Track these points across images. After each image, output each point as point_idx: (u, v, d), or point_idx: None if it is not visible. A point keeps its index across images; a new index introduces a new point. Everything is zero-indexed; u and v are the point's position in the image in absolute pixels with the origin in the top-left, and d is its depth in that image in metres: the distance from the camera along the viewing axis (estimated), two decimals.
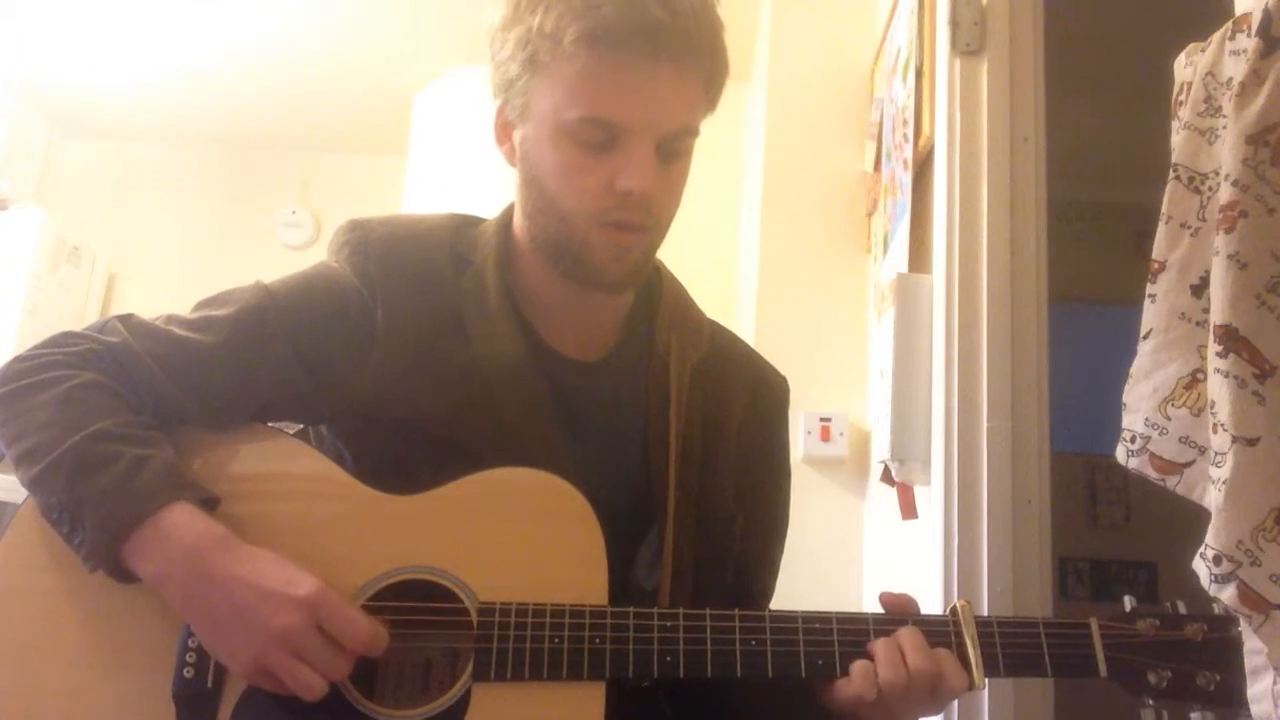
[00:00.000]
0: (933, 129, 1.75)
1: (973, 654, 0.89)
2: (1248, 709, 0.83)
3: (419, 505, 0.92)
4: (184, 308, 1.01)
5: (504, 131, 0.99)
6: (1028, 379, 1.55)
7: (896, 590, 0.96)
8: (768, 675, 0.87)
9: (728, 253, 2.96)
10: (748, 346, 1.16)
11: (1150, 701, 0.88)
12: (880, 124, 2.20)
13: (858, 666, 0.87)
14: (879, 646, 0.88)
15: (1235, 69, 0.88)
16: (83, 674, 0.87)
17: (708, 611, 0.89)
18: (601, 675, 0.86)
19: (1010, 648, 0.90)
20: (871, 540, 2.10)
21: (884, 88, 2.22)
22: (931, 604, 1.48)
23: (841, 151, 2.37)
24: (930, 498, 1.60)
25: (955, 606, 0.92)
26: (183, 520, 0.86)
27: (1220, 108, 0.92)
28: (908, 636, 0.88)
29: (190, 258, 3.89)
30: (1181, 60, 1.00)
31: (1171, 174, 0.96)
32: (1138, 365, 0.98)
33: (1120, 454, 0.99)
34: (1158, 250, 0.97)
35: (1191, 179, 0.95)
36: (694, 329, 1.09)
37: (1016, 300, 1.58)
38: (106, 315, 1.00)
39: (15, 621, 0.89)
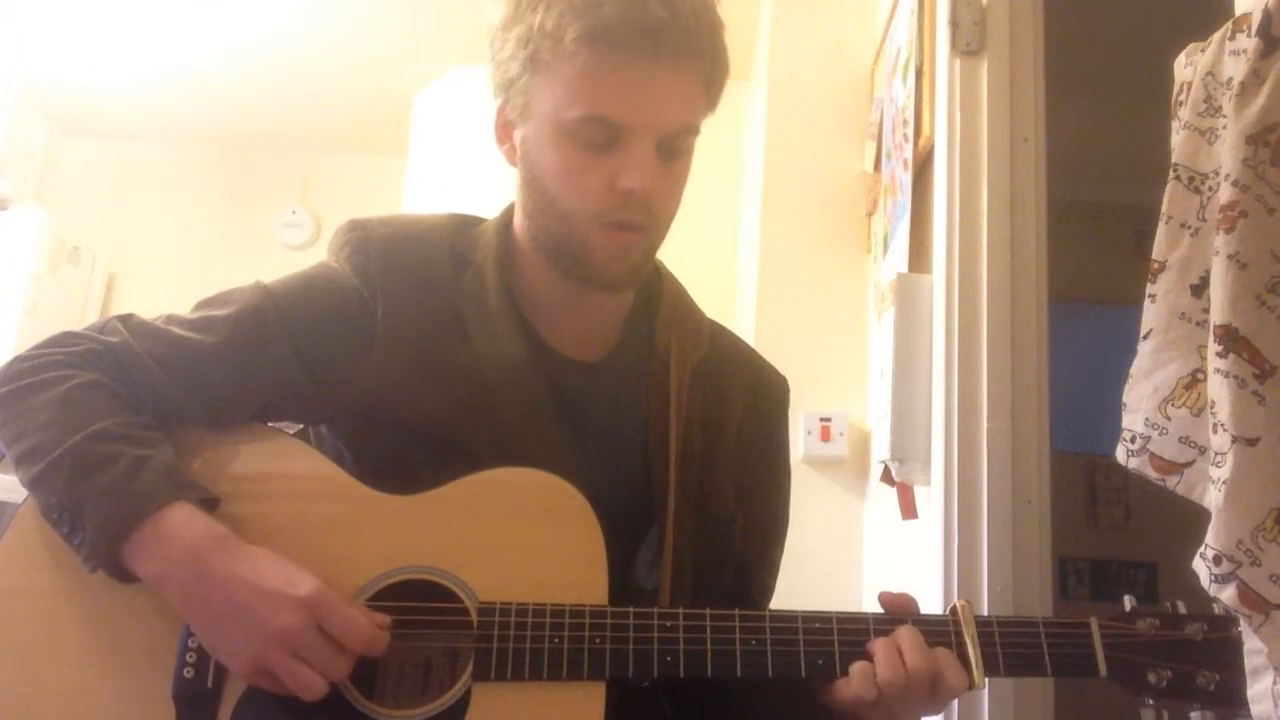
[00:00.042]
0: (933, 129, 1.75)
1: (973, 654, 0.89)
2: (1247, 709, 0.83)
3: (419, 505, 0.92)
4: (184, 308, 1.01)
5: (504, 131, 0.99)
6: (1028, 379, 1.55)
7: (896, 590, 0.96)
8: (768, 675, 0.88)
9: (728, 253, 2.96)
10: (748, 346, 1.16)
11: (1150, 701, 0.88)
12: (880, 124, 2.20)
13: (857, 667, 0.87)
14: (878, 646, 0.88)
15: (1235, 69, 0.88)
16: (83, 674, 0.87)
17: (708, 611, 0.89)
18: (601, 675, 0.86)
19: (1010, 647, 0.90)
20: (871, 540, 2.10)
21: (884, 88, 2.22)
22: (931, 604, 1.48)
23: (841, 151, 2.37)
24: (930, 498, 1.60)
25: (955, 606, 0.92)
26: (183, 520, 0.86)
27: (1220, 108, 0.92)
28: (905, 636, 0.88)
29: (190, 258, 3.89)
30: (1181, 60, 1.00)
31: (1171, 174, 0.96)
32: (1138, 365, 0.98)
33: (1120, 454, 0.99)
34: (1158, 250, 0.97)
35: (1191, 179, 0.95)
36: (694, 329, 1.09)
37: (1016, 300, 1.58)
38: (106, 315, 1.00)
39: (15, 621, 0.89)
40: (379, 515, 0.92)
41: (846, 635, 0.89)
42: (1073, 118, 2.26)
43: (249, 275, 1.04)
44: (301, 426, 1.05)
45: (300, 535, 0.90)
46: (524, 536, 0.91)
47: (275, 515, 0.92)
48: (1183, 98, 0.98)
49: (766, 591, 1.10)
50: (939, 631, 0.90)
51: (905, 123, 1.93)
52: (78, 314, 3.73)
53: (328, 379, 0.97)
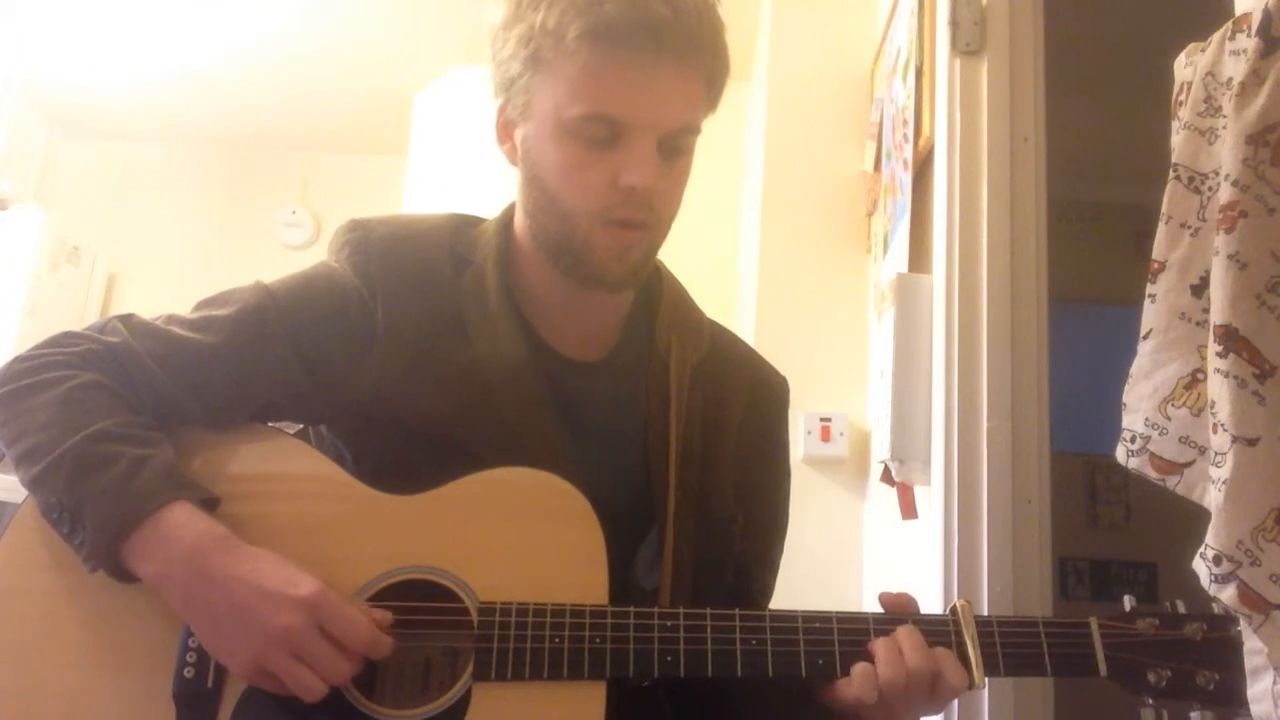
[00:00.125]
0: (933, 129, 1.75)
1: (973, 653, 0.89)
2: (1247, 708, 0.83)
3: (419, 505, 0.92)
4: (184, 308, 1.01)
5: (505, 131, 0.99)
6: (1028, 379, 1.55)
7: (896, 590, 0.96)
8: (768, 675, 0.87)
9: (728, 253, 2.96)
10: (748, 346, 1.16)
11: (1150, 701, 0.88)
12: (880, 124, 2.20)
13: (858, 668, 0.87)
14: (879, 646, 0.88)
15: (1235, 69, 0.88)
16: (83, 674, 0.87)
17: (708, 611, 0.89)
18: (602, 675, 0.86)
19: (1010, 647, 0.90)
20: (871, 540, 2.10)
21: (884, 88, 2.22)
22: (931, 604, 1.48)
23: (841, 151, 2.37)
24: (930, 498, 1.60)
25: (955, 606, 0.92)
26: (183, 520, 0.86)
27: (1220, 108, 0.92)
28: (906, 635, 0.88)
29: (190, 258, 3.89)
30: (1181, 60, 1.00)
31: (1171, 174, 0.97)
32: (1138, 365, 0.98)
33: (1120, 454, 0.99)
34: (1158, 250, 0.97)
35: (1191, 179, 0.95)
36: (694, 329, 1.09)
37: (1016, 300, 1.58)
38: (106, 315, 1.00)
39: (15, 621, 0.89)
40: (379, 515, 0.92)
41: (846, 635, 0.89)
42: (1073, 118, 2.26)
43: (249, 275, 1.04)
44: (301, 426, 1.05)
45: (300, 535, 0.90)
46: (524, 536, 0.91)
47: (275, 515, 0.92)
48: (1183, 98, 0.98)
49: (766, 591, 1.10)
50: (939, 631, 0.90)
51: (905, 123, 1.93)
52: (78, 314, 3.73)
53: (328, 379, 0.97)
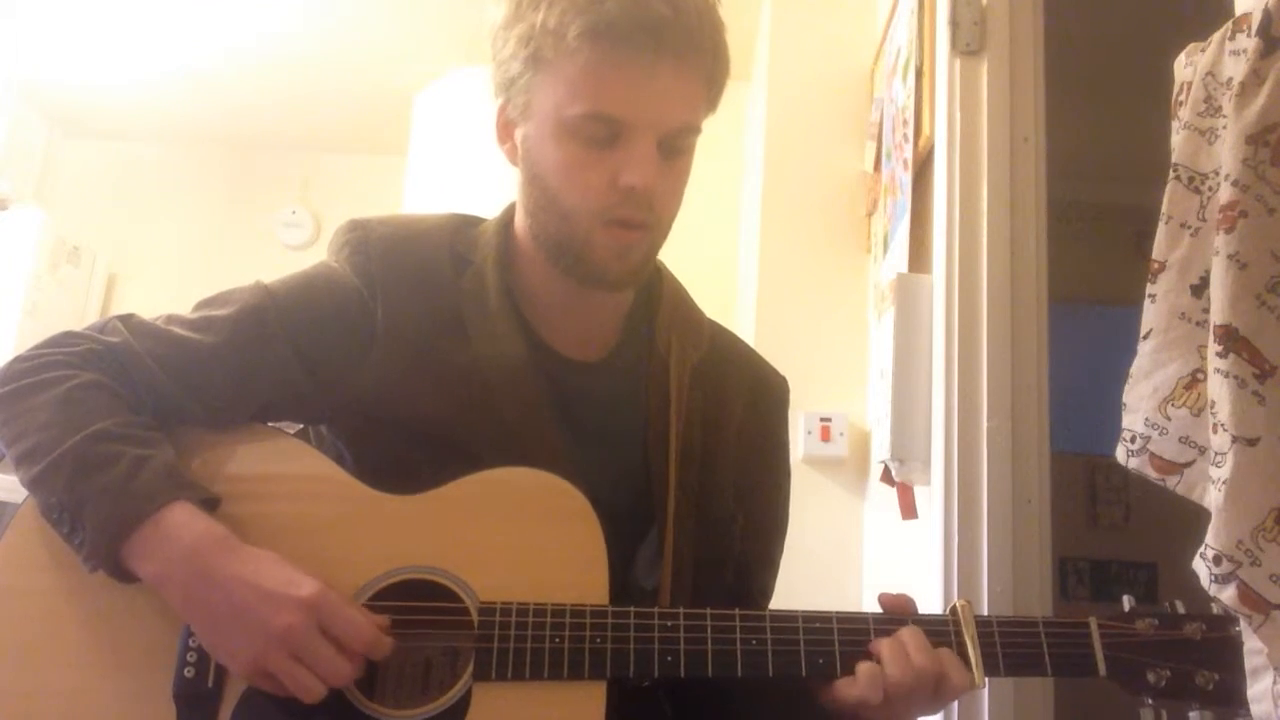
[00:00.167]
0: (933, 129, 1.75)
1: (973, 654, 0.89)
2: (1246, 708, 0.83)
3: (419, 505, 0.92)
4: (184, 308, 1.01)
5: (505, 130, 0.99)
6: (1028, 379, 1.55)
7: (896, 590, 0.96)
8: (768, 674, 0.87)
9: (728, 253, 2.96)
10: (748, 347, 1.16)
11: (1149, 701, 0.89)
12: (880, 124, 2.20)
13: (863, 668, 0.87)
14: (884, 647, 0.87)
15: (1235, 69, 0.88)
16: (83, 674, 0.87)
17: (708, 611, 0.89)
18: (602, 675, 0.86)
19: (1010, 647, 0.90)
20: (871, 540, 2.10)
21: (884, 88, 2.22)
22: (931, 604, 1.48)
23: (841, 151, 2.37)
24: (930, 498, 1.60)
25: (955, 606, 0.92)
26: (183, 520, 0.86)
27: (1220, 108, 0.92)
28: (911, 636, 0.88)
29: (190, 258, 3.89)
30: (1181, 60, 1.00)
31: (1171, 174, 0.97)
32: (1138, 365, 0.98)
33: (1120, 454, 0.99)
34: (1158, 250, 0.97)
35: (1191, 179, 0.95)
36: (694, 329, 1.09)
37: (1016, 300, 1.58)
38: (106, 315, 1.00)
39: (15, 621, 0.89)
40: (379, 515, 0.92)
41: (847, 635, 0.89)
42: (1073, 118, 2.26)
43: (249, 275, 1.04)
44: (301, 426, 1.05)
45: (301, 535, 0.90)
46: (525, 536, 0.91)
47: (275, 515, 0.92)
48: (1183, 98, 0.98)
49: (766, 591, 1.10)
50: (939, 631, 0.90)
51: (905, 123, 1.93)
52: (78, 314, 3.73)
53: (328, 379, 0.97)
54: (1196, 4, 1.16)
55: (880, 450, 1.86)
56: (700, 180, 1.02)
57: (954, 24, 1.70)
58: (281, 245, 3.96)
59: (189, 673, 0.86)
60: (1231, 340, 0.81)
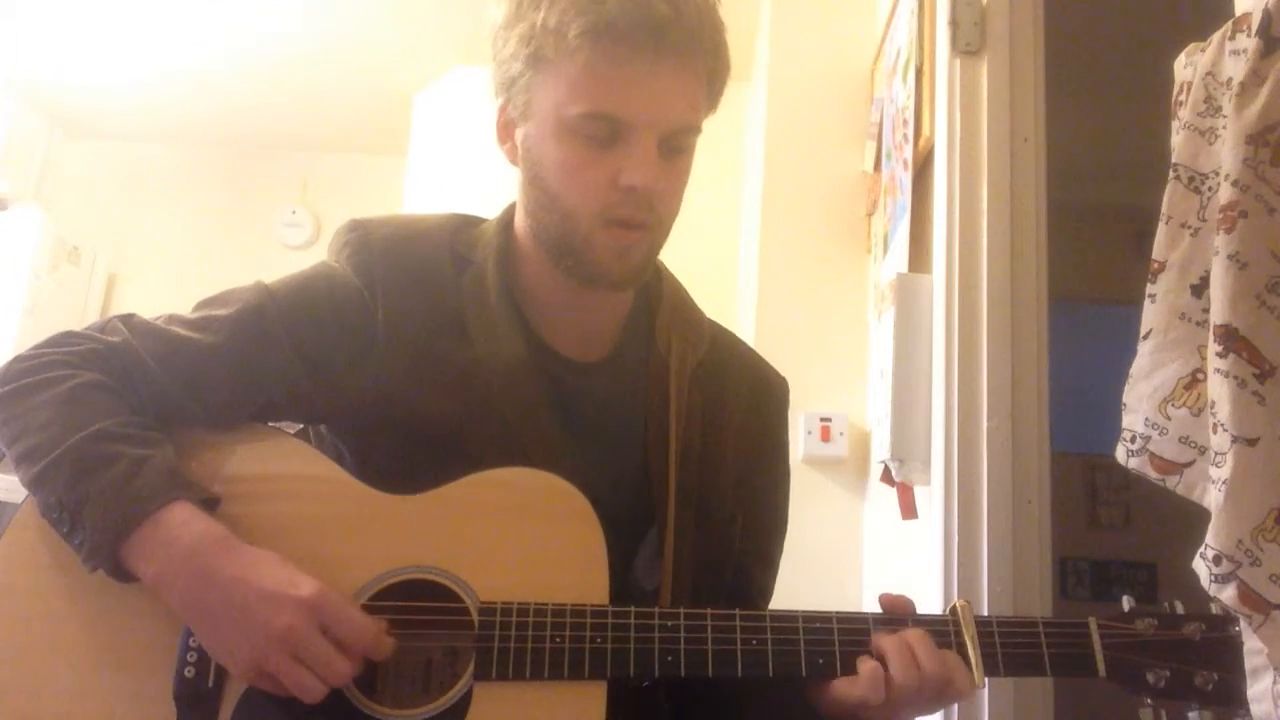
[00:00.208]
0: (933, 129, 1.75)
1: (972, 654, 0.89)
2: (1245, 708, 0.83)
3: (420, 505, 0.92)
4: (184, 308, 1.01)
5: (506, 130, 0.99)
6: (1028, 379, 1.56)
7: (896, 591, 0.96)
8: (769, 674, 0.87)
9: (728, 253, 2.96)
10: (748, 347, 1.16)
11: (1149, 701, 0.88)
12: (880, 124, 2.21)
13: (866, 669, 0.86)
14: (889, 648, 0.87)
15: (1235, 69, 0.88)
16: (83, 674, 0.87)
17: (708, 611, 0.89)
18: (602, 675, 0.86)
19: (1010, 647, 0.90)
20: (871, 540, 2.10)
21: (884, 88, 2.22)
22: (931, 604, 1.48)
23: (841, 151, 2.37)
24: (930, 498, 1.60)
25: (955, 606, 0.92)
26: (183, 520, 0.86)
27: (1220, 108, 0.92)
28: (919, 640, 0.88)
29: (190, 258, 3.89)
30: (1181, 60, 1.00)
31: (1171, 174, 0.97)
32: (1138, 365, 0.98)
33: (1120, 454, 0.99)
34: (1158, 250, 0.97)
35: (1191, 179, 0.95)
36: (694, 329, 1.09)
37: (1016, 300, 1.58)
38: (106, 315, 1.00)
39: (15, 621, 0.89)
40: (379, 515, 0.92)
41: (847, 635, 0.89)
42: (1073, 118, 2.26)
43: (249, 275, 1.04)
44: (301, 426, 1.05)
45: (301, 535, 0.90)
46: (525, 537, 0.91)
47: (276, 515, 0.92)
48: (1183, 98, 0.98)
49: (766, 591, 1.10)
50: (939, 632, 0.90)
51: (905, 123, 1.93)
52: (78, 314, 3.73)
53: (328, 378, 0.97)
54: (1196, 4, 1.16)
55: (880, 450, 1.86)
56: (700, 180, 1.02)
57: (954, 24, 1.70)
58: (281, 245, 3.96)
59: (189, 673, 0.86)
60: (1231, 340, 0.81)
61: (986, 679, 0.89)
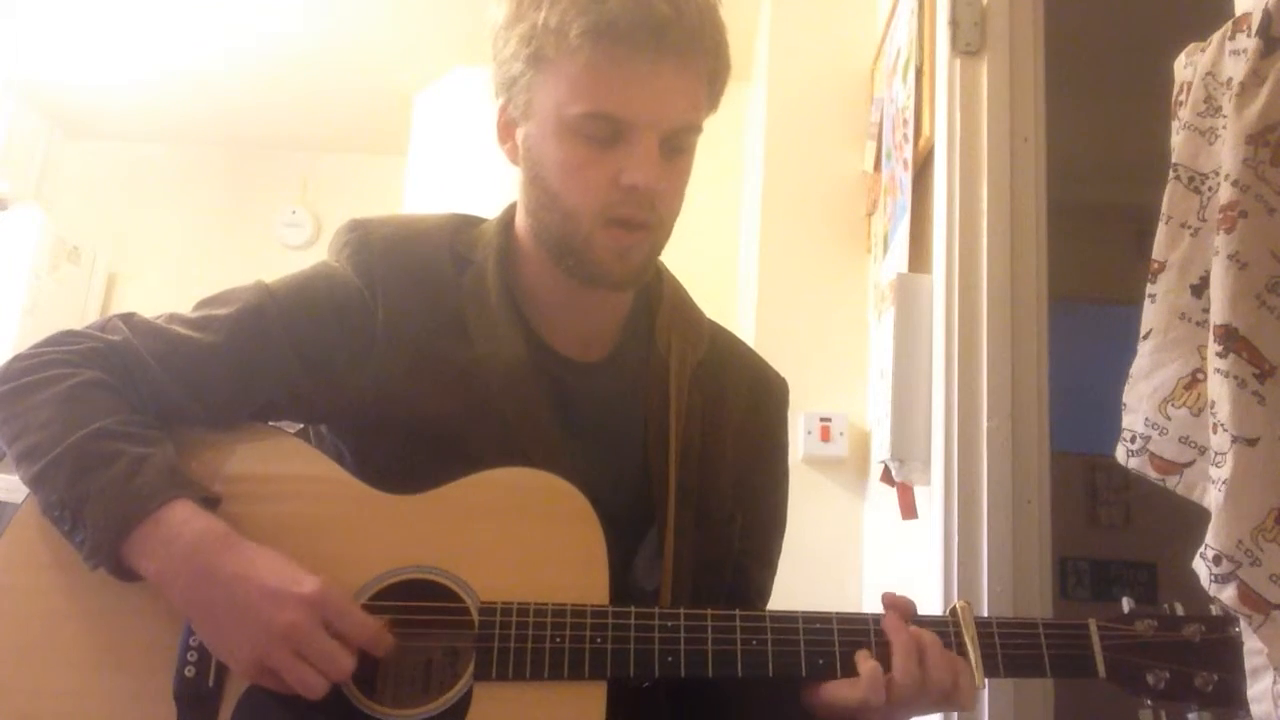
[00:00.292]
0: (933, 129, 1.75)
1: (972, 654, 0.89)
2: (1245, 709, 0.83)
3: (420, 505, 0.92)
4: (184, 307, 1.01)
5: (506, 130, 0.99)
6: (1028, 379, 1.56)
7: (896, 591, 0.96)
8: (769, 675, 0.87)
9: (728, 253, 2.96)
10: (748, 347, 1.16)
11: (1149, 702, 0.88)
12: (880, 124, 2.20)
13: (866, 670, 0.86)
14: (898, 644, 0.87)
15: (1235, 69, 0.88)
16: (83, 673, 0.87)
17: (709, 611, 0.89)
18: (603, 675, 0.86)
19: (1010, 648, 0.90)
20: (871, 540, 2.10)
21: (884, 88, 2.22)
22: (931, 604, 1.48)
23: (841, 151, 2.37)
24: (930, 498, 1.60)
25: (955, 607, 0.92)
26: (184, 518, 0.86)
27: (1220, 108, 0.92)
28: (932, 644, 0.87)
29: (190, 258, 3.89)
30: (1181, 60, 1.00)
31: (1171, 174, 0.97)
32: (1138, 365, 0.98)
33: (1120, 454, 0.99)
34: (1158, 250, 0.97)
35: (1191, 179, 0.95)
36: (694, 329, 1.09)
37: (1016, 300, 1.58)
38: (107, 315, 1.00)
39: (15, 620, 0.89)
40: (380, 515, 0.92)
41: (846, 635, 0.89)
42: (1073, 118, 2.26)
43: (249, 275, 1.04)
44: (301, 426, 1.05)
45: (300, 535, 0.90)
46: (525, 537, 0.91)
47: (276, 515, 0.92)
48: (1183, 98, 0.98)
49: (764, 592, 1.10)
50: (939, 633, 0.90)
51: (905, 123, 1.93)
52: (78, 313, 3.73)
53: (328, 378, 0.97)
54: (1196, 4, 1.16)
55: (880, 450, 1.86)
56: (700, 180, 1.02)
57: (954, 24, 1.70)
58: (281, 245, 3.96)
59: (189, 672, 0.86)
60: (1231, 340, 0.81)
61: (986, 680, 0.89)
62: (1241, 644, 0.85)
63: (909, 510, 1.74)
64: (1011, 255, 1.60)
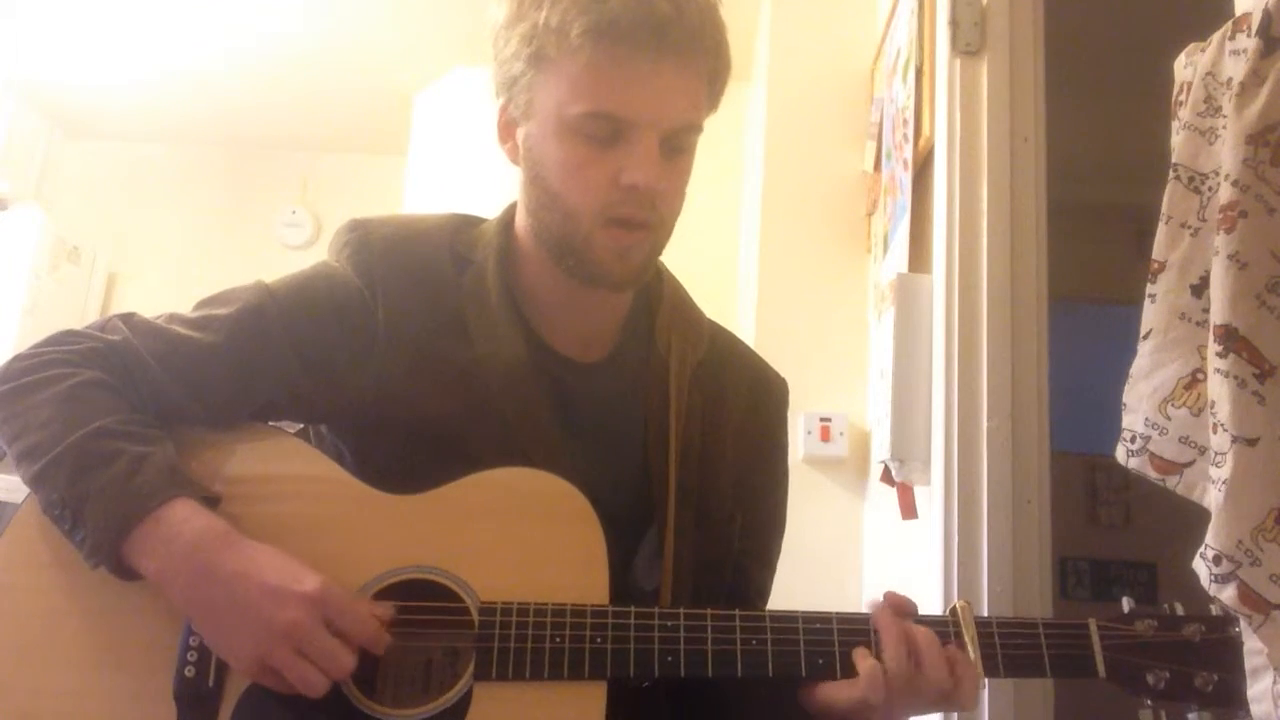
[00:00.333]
0: (933, 129, 1.75)
1: (972, 654, 0.89)
2: (1245, 709, 0.83)
3: (420, 505, 0.92)
4: (184, 307, 1.01)
5: (507, 130, 0.99)
6: (1028, 379, 1.56)
7: (897, 591, 0.96)
8: (768, 675, 0.87)
9: (728, 253, 2.96)
10: (747, 347, 1.16)
11: (1149, 702, 0.88)
12: (880, 124, 2.21)
13: (865, 669, 0.86)
14: (887, 637, 0.87)
15: (1235, 69, 0.88)
16: (83, 673, 0.87)
17: (708, 611, 0.89)
18: (602, 675, 0.86)
19: (1010, 648, 0.90)
20: (871, 540, 2.10)
21: (884, 88, 2.22)
22: (931, 604, 1.48)
23: (841, 151, 2.37)
24: (930, 498, 1.60)
25: (955, 607, 0.92)
26: (184, 517, 0.86)
27: (1220, 108, 0.92)
28: (925, 637, 0.88)
29: (190, 258, 3.89)
30: (1181, 60, 1.00)
31: (1171, 174, 0.97)
32: (1138, 365, 0.98)
33: (1120, 454, 0.99)
34: (1158, 250, 0.97)
35: (1191, 179, 0.95)
36: (694, 329, 1.09)
37: (1016, 300, 1.58)
38: (107, 315, 1.00)
39: (16, 619, 0.89)
40: (380, 515, 0.92)
41: (846, 635, 0.89)
42: (1073, 118, 2.26)
43: (249, 275, 1.04)
44: (301, 426, 1.05)
45: (301, 535, 0.90)
46: (525, 537, 0.91)
47: (276, 515, 0.92)
48: (1183, 98, 0.98)
49: (764, 591, 1.10)
50: (939, 633, 0.90)
51: (905, 123, 1.93)
52: (78, 313, 3.73)
53: (328, 378, 0.97)
54: (1196, 4, 1.16)
55: (880, 450, 1.86)
56: (700, 180, 1.02)
57: (954, 24, 1.70)
58: (281, 245, 3.96)
59: (189, 672, 0.86)
60: (1231, 340, 0.81)
61: (986, 679, 0.89)
62: (1241, 644, 0.85)
63: (909, 510, 1.74)
64: (1011, 255, 1.60)
